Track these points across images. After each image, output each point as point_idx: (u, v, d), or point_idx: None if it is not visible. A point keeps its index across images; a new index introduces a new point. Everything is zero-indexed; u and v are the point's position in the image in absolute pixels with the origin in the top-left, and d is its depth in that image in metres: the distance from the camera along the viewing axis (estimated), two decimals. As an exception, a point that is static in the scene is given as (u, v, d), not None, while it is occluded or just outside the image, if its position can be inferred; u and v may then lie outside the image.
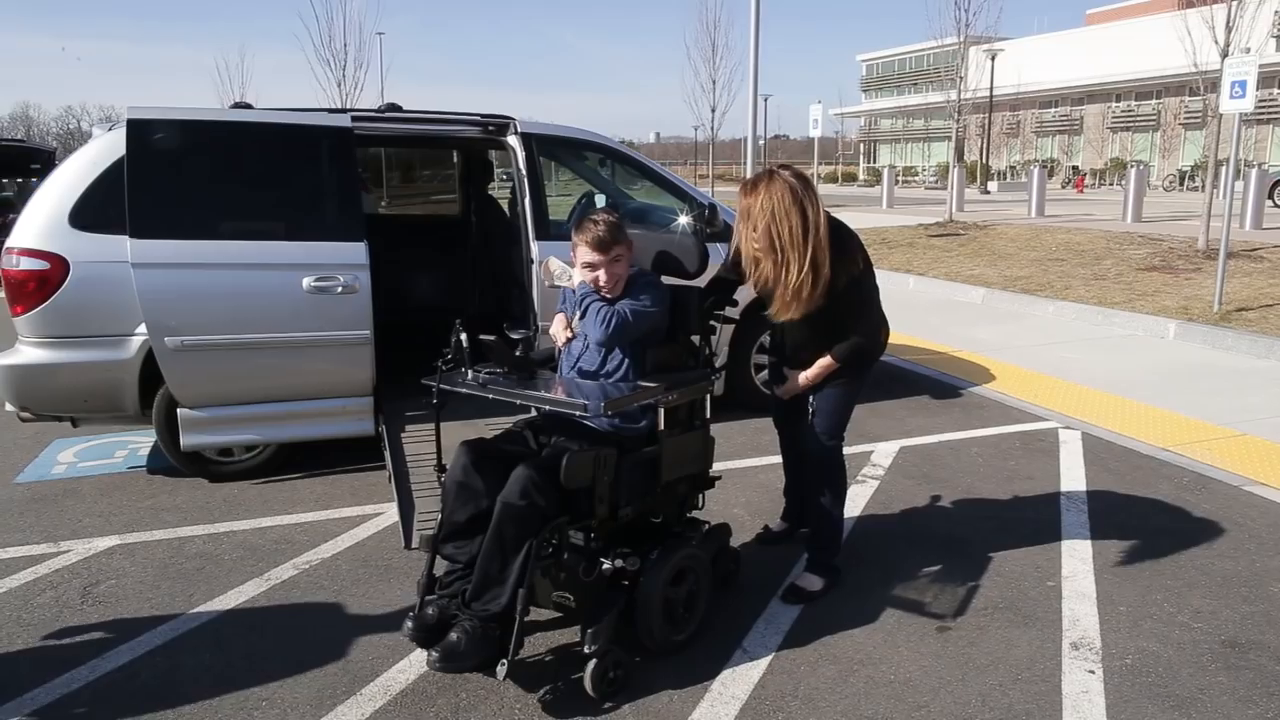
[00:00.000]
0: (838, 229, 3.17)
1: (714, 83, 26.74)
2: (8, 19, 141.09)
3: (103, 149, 4.52)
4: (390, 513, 4.26)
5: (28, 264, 4.32)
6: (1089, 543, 3.97)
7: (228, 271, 4.33)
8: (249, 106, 5.25)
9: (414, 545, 3.61)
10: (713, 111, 27.59)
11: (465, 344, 2.99)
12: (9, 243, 4.42)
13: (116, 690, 2.90)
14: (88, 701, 2.84)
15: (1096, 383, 6.64)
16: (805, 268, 3.02)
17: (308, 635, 3.23)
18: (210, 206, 4.43)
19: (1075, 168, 40.72)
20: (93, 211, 4.40)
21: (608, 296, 3.13)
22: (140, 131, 4.23)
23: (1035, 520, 4.22)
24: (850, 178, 51.73)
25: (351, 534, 4.10)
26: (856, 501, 4.44)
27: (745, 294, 3.63)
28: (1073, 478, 4.77)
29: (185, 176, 4.39)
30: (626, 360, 3.11)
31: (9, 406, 4.58)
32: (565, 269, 3.40)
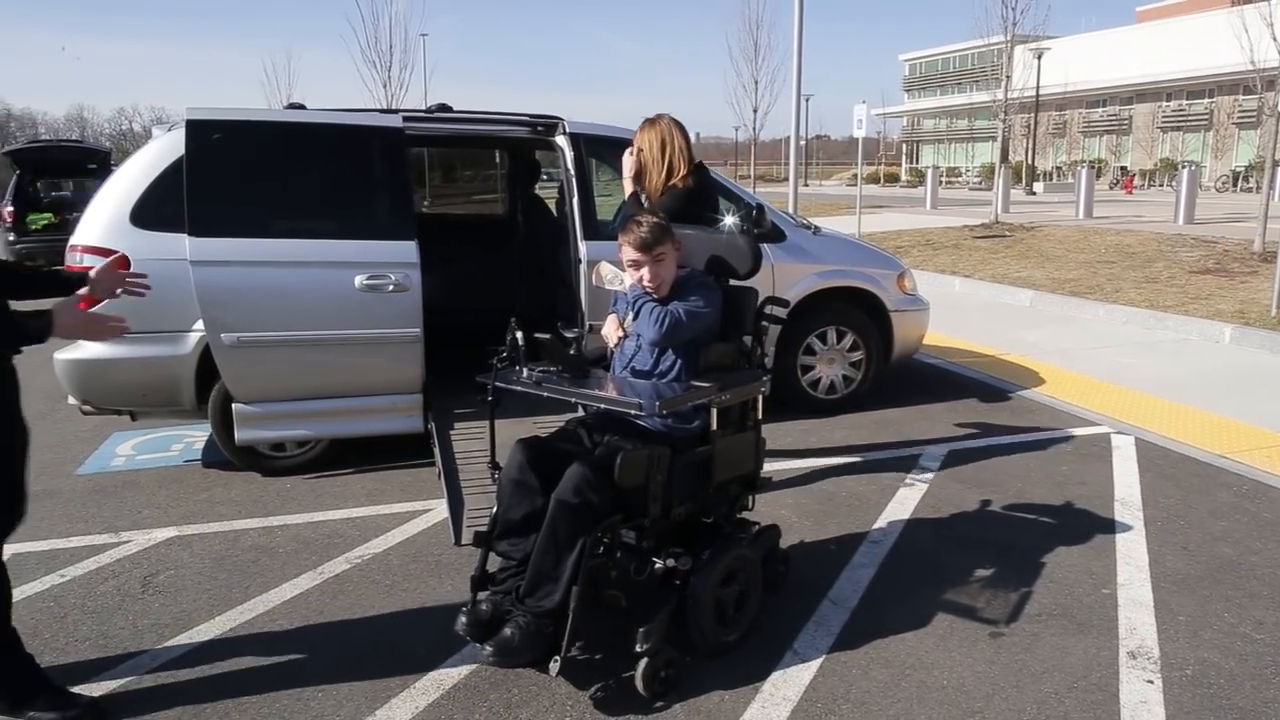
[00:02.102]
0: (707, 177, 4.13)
1: (756, 83, 26.55)
2: (63, 21, 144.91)
3: (162, 149, 4.62)
4: (440, 509, 4.31)
5: (91, 261, 4.42)
6: (1145, 550, 3.90)
7: (282, 269, 4.41)
8: (302, 107, 5.33)
9: (464, 541, 3.64)
10: (755, 112, 27.42)
11: (520, 342, 3.01)
12: (73, 240, 4.54)
13: (177, 678, 2.97)
14: (149, 688, 2.91)
15: (1149, 387, 6.52)
16: (660, 173, 3.96)
17: (361, 628, 3.28)
18: (265, 205, 4.52)
19: (1124, 168, 39.90)
20: (153, 210, 4.52)
21: (656, 297, 3.14)
22: (199, 132, 4.32)
23: (1089, 526, 4.15)
24: (892, 178, 51.22)
25: (402, 529, 4.15)
26: (905, 504, 4.40)
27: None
28: (1127, 483, 4.68)
29: (241, 176, 4.47)
30: (679, 360, 3.11)
31: (71, 400, 4.70)
32: (617, 273, 3.42)
